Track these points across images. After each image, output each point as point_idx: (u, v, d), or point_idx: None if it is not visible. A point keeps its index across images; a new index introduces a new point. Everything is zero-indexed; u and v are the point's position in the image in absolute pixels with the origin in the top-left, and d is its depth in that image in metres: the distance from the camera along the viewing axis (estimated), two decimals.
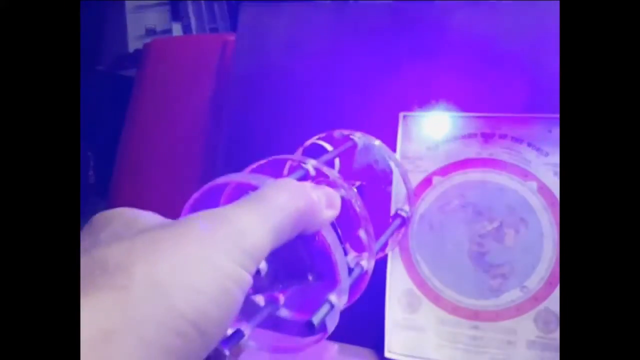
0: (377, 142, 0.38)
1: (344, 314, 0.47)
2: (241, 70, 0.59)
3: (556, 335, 0.44)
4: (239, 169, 0.56)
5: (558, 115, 0.47)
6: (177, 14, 1.66)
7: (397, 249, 0.49)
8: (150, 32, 1.61)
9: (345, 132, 0.37)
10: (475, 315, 0.46)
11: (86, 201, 1.51)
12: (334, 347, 0.38)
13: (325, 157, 0.33)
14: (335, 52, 0.55)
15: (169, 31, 1.64)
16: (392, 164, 0.38)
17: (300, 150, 0.38)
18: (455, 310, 0.47)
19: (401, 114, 0.51)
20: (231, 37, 0.68)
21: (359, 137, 0.37)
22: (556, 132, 0.47)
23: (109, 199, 0.75)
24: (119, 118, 0.77)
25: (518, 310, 0.45)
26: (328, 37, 0.56)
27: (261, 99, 0.57)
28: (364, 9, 0.56)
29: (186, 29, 1.63)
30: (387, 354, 0.45)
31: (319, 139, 0.38)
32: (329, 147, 0.37)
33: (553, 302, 0.45)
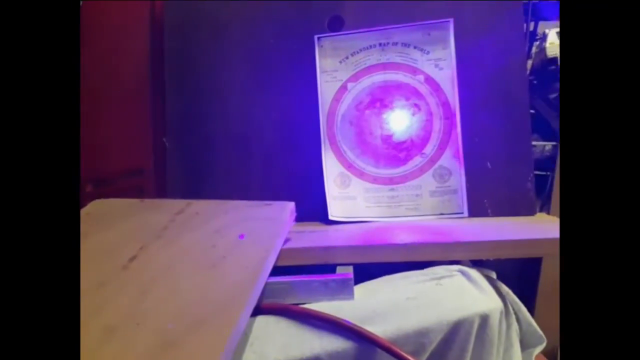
0: None
1: (299, 202, 0.57)
2: (174, 18, 0.65)
3: (449, 183, 0.58)
4: (185, 103, 0.62)
5: (433, 22, 0.59)
6: None
7: (327, 144, 0.60)
8: None
9: None
10: (390, 181, 0.59)
11: None
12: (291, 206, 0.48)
13: None
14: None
15: None
16: None
17: None
18: (375, 180, 0.59)
19: (316, 37, 0.61)
20: None
21: None
22: (433, 34, 0.59)
23: None
24: None
25: (421, 171, 0.59)
26: None
27: (197, 43, 0.64)
28: None
29: None
30: (330, 217, 0.57)
31: None
32: None
33: (444, 160, 0.58)
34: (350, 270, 0.40)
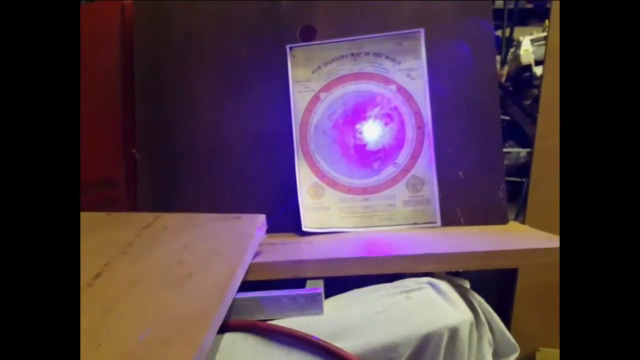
0: None
1: (273, 212, 0.57)
2: (144, 28, 0.64)
3: (422, 193, 0.58)
4: (155, 114, 0.62)
5: (404, 32, 0.59)
6: None
7: (300, 154, 0.60)
8: None
9: None
10: (364, 191, 0.59)
11: None
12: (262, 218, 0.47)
13: None
14: (225, 3, 0.62)
15: None
16: None
17: None
18: (349, 190, 0.59)
19: (288, 47, 0.61)
20: (129, 1, 0.72)
21: None
22: (405, 44, 0.59)
23: None
24: None
25: (394, 180, 0.59)
26: None
27: (166, 50, 0.63)
28: None
29: None
30: (304, 228, 0.57)
31: None
32: None
33: (416, 170, 0.59)
34: (320, 284, 0.40)
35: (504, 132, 1.13)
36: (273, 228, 0.57)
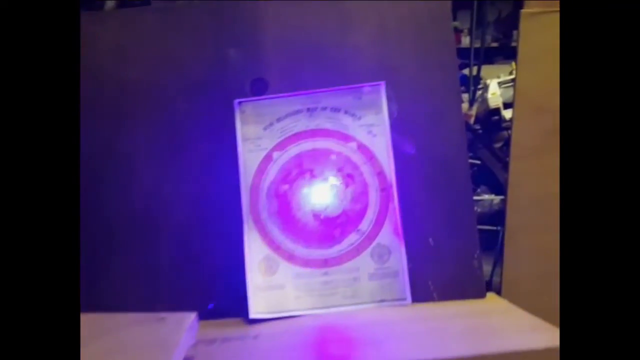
0: None
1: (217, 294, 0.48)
2: None
3: (389, 264, 0.50)
4: (82, 175, 0.53)
5: (364, 85, 0.53)
6: None
7: (250, 222, 0.51)
8: None
9: None
10: (324, 263, 0.51)
11: None
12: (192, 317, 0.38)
13: None
14: (163, 52, 0.55)
15: None
16: None
17: None
18: (307, 263, 0.51)
19: (236, 101, 0.53)
20: None
21: None
22: (365, 98, 0.53)
23: None
24: None
25: (357, 250, 0.51)
26: (155, 39, 0.55)
27: (93, 104, 0.54)
28: (188, 10, 0.56)
29: None
30: (252, 315, 0.48)
31: None
32: None
33: (382, 237, 0.51)
34: None
35: (475, 177, 1.07)
36: (217, 312, 0.48)
